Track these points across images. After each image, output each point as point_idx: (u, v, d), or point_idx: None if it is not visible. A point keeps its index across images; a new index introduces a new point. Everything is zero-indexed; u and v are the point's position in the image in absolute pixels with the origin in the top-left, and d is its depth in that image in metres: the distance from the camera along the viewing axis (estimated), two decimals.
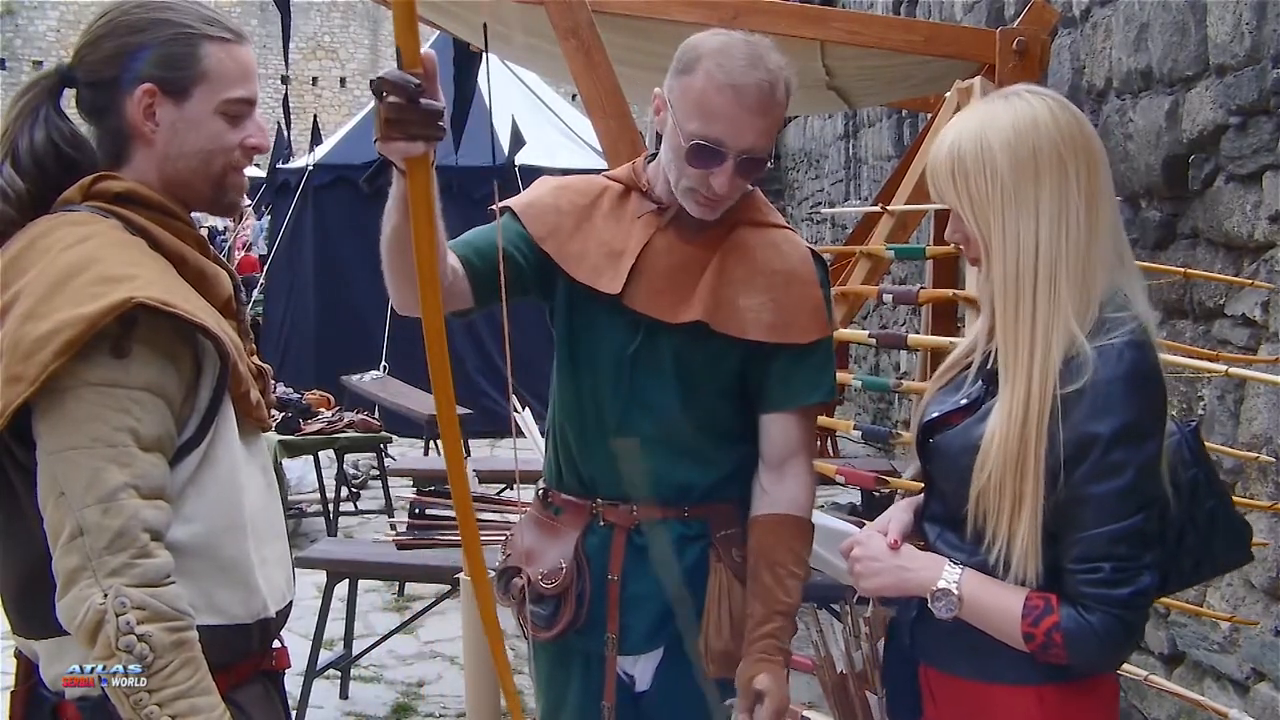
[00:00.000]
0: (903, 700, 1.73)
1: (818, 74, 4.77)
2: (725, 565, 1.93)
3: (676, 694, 1.93)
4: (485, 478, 5.02)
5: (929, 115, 5.18)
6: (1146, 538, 1.45)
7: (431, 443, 6.92)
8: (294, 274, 9.79)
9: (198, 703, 1.34)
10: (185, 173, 1.49)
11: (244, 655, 1.50)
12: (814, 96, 5.38)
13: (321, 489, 6.30)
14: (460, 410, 2.12)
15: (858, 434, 3.53)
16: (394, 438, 6.70)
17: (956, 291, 3.20)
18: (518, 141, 8.20)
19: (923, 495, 1.71)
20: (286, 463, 6.05)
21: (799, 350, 1.90)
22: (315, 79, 28.02)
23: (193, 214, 1.53)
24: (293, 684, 3.39)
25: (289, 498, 6.41)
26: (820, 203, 11.32)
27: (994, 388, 1.53)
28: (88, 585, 1.31)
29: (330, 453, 6.18)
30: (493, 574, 1.96)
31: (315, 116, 11.43)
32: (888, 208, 3.86)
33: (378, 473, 6.60)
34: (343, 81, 28.24)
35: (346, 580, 4.07)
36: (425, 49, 1.35)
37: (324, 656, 4.04)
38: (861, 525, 1.90)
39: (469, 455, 6.58)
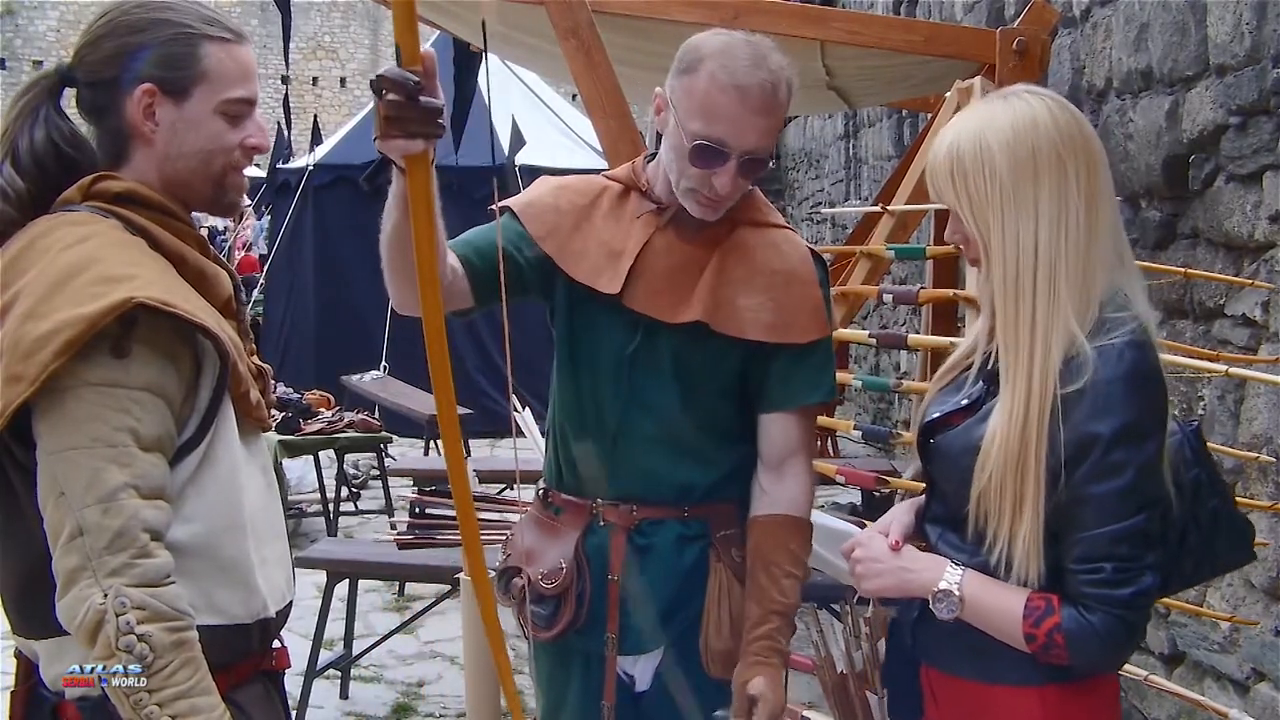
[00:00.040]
0: (905, 701, 1.73)
1: (818, 74, 4.77)
2: (725, 565, 1.93)
3: (676, 694, 1.93)
4: (485, 478, 5.00)
5: (929, 115, 5.18)
6: (1148, 538, 1.45)
7: (432, 442, 6.92)
8: (294, 274, 9.80)
9: (198, 703, 1.34)
10: (185, 173, 1.49)
11: (244, 655, 1.50)
12: (814, 96, 5.37)
13: (321, 489, 6.30)
14: (460, 410, 2.11)
15: (858, 434, 3.53)
16: (394, 438, 6.70)
17: (956, 291, 3.20)
18: (518, 141, 8.19)
19: (924, 496, 1.71)
20: (286, 463, 6.05)
21: (799, 350, 1.90)
22: (315, 79, 28.00)
23: (193, 214, 1.53)
24: (293, 684, 3.39)
25: (289, 498, 6.41)
26: (820, 203, 11.32)
27: (995, 388, 1.52)
28: (88, 585, 1.31)
29: (330, 453, 6.17)
30: (493, 574, 1.96)
31: (315, 116, 11.44)
32: (888, 208, 3.85)
33: (378, 473, 6.60)
34: (343, 81, 28.21)
35: (346, 580, 4.07)
36: (425, 48, 1.35)
37: (324, 656, 4.03)
38: (862, 525, 1.90)
39: (469, 455, 6.57)
